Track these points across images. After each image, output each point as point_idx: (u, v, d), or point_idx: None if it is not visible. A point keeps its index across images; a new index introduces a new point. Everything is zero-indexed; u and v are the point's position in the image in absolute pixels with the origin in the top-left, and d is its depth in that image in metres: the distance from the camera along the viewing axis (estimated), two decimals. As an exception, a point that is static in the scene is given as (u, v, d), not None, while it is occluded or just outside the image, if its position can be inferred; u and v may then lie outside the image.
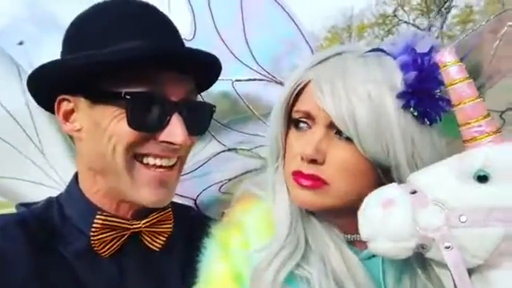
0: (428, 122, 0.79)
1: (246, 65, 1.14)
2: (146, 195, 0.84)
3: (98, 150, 0.83)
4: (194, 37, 1.11)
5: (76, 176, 0.93)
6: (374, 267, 0.86)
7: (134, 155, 0.83)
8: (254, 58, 1.14)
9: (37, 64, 1.01)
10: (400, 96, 0.77)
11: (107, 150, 0.81)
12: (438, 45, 0.80)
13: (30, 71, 0.87)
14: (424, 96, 0.77)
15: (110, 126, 0.80)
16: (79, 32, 0.85)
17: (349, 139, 0.80)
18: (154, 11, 0.87)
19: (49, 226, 0.87)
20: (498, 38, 1.10)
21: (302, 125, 0.85)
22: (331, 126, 0.81)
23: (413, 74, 0.78)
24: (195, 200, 1.27)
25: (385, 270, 0.86)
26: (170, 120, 0.81)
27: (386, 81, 0.78)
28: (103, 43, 0.79)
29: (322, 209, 0.84)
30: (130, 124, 0.79)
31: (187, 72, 0.84)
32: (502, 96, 1.06)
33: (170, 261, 0.92)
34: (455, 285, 0.69)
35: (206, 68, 0.89)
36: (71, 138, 0.98)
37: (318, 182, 0.81)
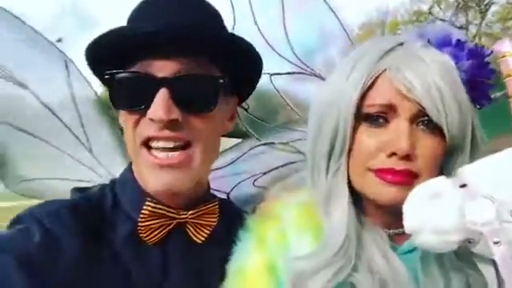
0: (478, 107, 0.82)
1: (284, 58, 1.14)
2: (150, 180, 0.84)
3: (125, 138, 0.87)
4: (233, 29, 1.12)
5: (131, 163, 0.95)
6: (411, 262, 0.84)
7: (143, 142, 0.84)
8: (294, 52, 1.14)
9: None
10: (464, 84, 0.79)
11: (126, 137, 0.86)
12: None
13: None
14: (480, 84, 0.79)
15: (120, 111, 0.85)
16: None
17: (429, 129, 0.79)
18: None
19: (100, 211, 0.88)
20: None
21: (378, 120, 0.80)
22: (414, 117, 0.78)
23: (467, 63, 0.79)
24: (228, 194, 1.28)
25: (422, 265, 0.84)
26: (155, 96, 0.80)
27: (453, 65, 0.79)
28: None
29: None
30: (113, 103, 0.82)
31: (179, 52, 0.81)
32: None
33: (212, 254, 0.92)
34: (499, 281, 0.68)
35: (215, 46, 0.84)
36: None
37: (410, 178, 0.78)
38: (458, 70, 0.78)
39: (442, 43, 0.82)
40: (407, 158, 0.77)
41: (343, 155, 0.83)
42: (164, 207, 0.87)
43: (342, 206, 0.83)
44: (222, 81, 0.85)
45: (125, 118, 0.87)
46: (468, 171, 0.71)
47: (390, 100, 0.78)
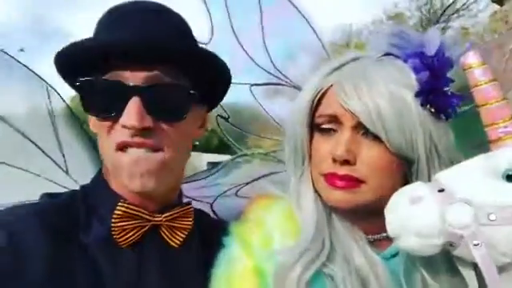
0: (444, 117, 0.85)
1: (263, 69, 1.16)
2: (123, 177, 0.84)
3: (99, 145, 0.89)
4: (210, 40, 1.13)
5: (101, 168, 0.95)
6: (394, 267, 0.87)
7: (117, 147, 0.84)
8: (272, 63, 1.16)
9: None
10: (417, 95, 0.82)
11: (100, 144, 0.87)
12: (446, 42, 0.84)
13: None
14: (438, 93, 0.83)
15: (92, 118, 0.87)
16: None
17: (375, 138, 0.83)
18: (151, 8, 0.89)
19: (71, 215, 0.87)
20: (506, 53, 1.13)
21: (326, 129, 0.87)
22: (357, 126, 0.84)
23: (425, 75, 0.83)
24: (211, 204, 1.28)
25: (406, 269, 0.86)
26: (126, 104, 0.82)
27: (404, 80, 0.83)
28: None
29: (356, 207, 0.85)
30: (86, 110, 0.84)
31: (151, 61, 0.83)
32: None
33: (188, 259, 0.92)
34: (480, 283, 0.70)
35: (177, 57, 0.86)
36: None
37: (352, 182, 0.83)
38: (418, 81, 0.83)
39: (405, 56, 0.86)
40: (347, 163, 0.83)
41: (305, 161, 0.91)
42: (137, 208, 0.87)
43: (309, 202, 0.90)
44: (192, 91, 0.88)
45: (98, 125, 0.88)
46: (445, 176, 0.73)
47: (334, 111, 0.85)
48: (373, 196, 0.84)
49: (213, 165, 1.30)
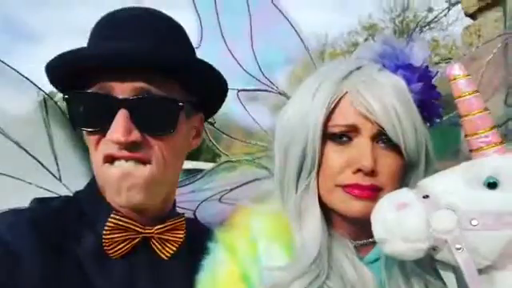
0: (429, 125, 0.90)
1: (251, 75, 1.17)
2: (110, 191, 0.84)
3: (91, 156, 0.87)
4: (199, 46, 1.13)
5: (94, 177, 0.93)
6: (375, 271, 0.89)
7: (105, 160, 0.83)
8: (260, 69, 1.17)
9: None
10: (416, 105, 0.86)
11: (91, 155, 0.86)
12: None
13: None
14: (429, 103, 0.88)
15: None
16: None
17: (389, 145, 0.85)
18: (142, 15, 0.88)
19: (63, 223, 0.86)
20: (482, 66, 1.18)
21: (342, 138, 0.85)
22: (375, 136, 0.84)
23: (418, 86, 0.86)
24: (194, 211, 1.28)
25: (387, 273, 0.88)
26: (114, 117, 0.81)
27: (406, 88, 0.86)
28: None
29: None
30: (73, 124, 0.84)
31: (137, 71, 0.82)
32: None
33: (178, 269, 0.92)
34: (459, 286, 0.73)
35: (169, 68, 0.85)
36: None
37: (375, 192, 0.83)
38: (411, 91, 0.86)
39: (395, 67, 0.89)
40: (371, 173, 0.82)
41: (313, 173, 0.87)
42: (129, 220, 0.86)
43: (315, 220, 0.87)
44: (181, 104, 0.86)
45: (87, 138, 0.87)
46: (429, 183, 0.76)
47: (352, 121, 0.84)
48: None
49: (192, 172, 1.30)
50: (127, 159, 0.82)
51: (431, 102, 0.88)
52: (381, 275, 0.88)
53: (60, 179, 1.15)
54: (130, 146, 0.81)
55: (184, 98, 0.88)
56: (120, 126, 0.79)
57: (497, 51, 1.25)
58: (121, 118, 0.80)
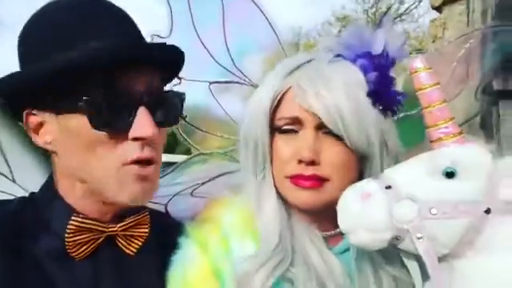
0: (390, 114, 0.91)
1: (223, 67, 1.15)
2: (127, 192, 0.83)
3: (77, 159, 0.82)
4: (170, 34, 1.10)
5: (51, 176, 0.91)
6: (345, 261, 0.91)
7: (131, 162, 0.82)
8: (233, 61, 1.15)
9: None
10: (368, 95, 0.88)
11: (87, 158, 0.81)
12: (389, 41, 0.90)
13: None
14: (385, 92, 0.89)
15: (81, 133, 0.80)
16: (37, 36, 0.83)
17: (336, 137, 0.86)
18: (109, 8, 0.87)
19: (20, 225, 0.84)
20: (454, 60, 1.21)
21: (287, 130, 0.89)
22: (318, 127, 0.87)
23: (373, 75, 0.88)
24: (166, 205, 1.27)
25: (356, 263, 0.90)
26: (135, 114, 0.80)
27: (357, 81, 0.88)
28: (68, 45, 0.79)
29: (322, 206, 0.88)
30: (93, 126, 0.78)
31: (150, 66, 0.84)
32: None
33: (145, 265, 0.91)
34: (422, 273, 0.75)
35: (170, 60, 0.89)
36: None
37: (318, 181, 0.86)
38: (367, 81, 0.88)
39: (354, 56, 0.91)
40: (313, 163, 0.85)
41: (266, 163, 0.91)
42: (91, 221, 0.85)
43: (271, 209, 0.90)
44: (184, 96, 0.89)
45: (95, 141, 0.81)
46: (391, 174, 0.78)
47: (295, 114, 0.87)
48: (337, 194, 0.85)
49: (166, 165, 1.29)
50: (149, 162, 0.82)
51: (388, 91, 0.89)
52: (351, 266, 0.90)
53: (14, 180, 1.12)
54: (150, 144, 0.82)
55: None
56: (147, 122, 0.79)
57: (469, 46, 1.28)
58: (144, 115, 0.79)
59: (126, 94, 0.80)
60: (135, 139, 0.80)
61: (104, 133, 0.79)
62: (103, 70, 0.78)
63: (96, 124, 0.79)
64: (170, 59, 0.89)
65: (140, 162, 0.82)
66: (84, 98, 0.78)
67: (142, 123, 0.80)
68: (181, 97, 0.90)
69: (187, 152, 1.33)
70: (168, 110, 0.86)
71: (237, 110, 1.20)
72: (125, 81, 0.80)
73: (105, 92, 0.79)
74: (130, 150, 0.81)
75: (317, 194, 0.86)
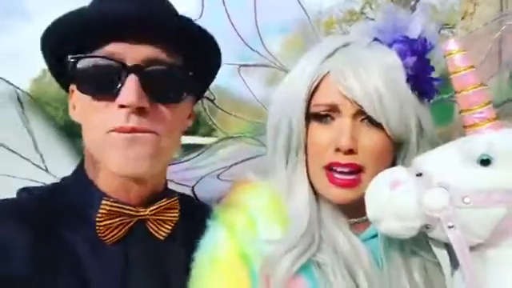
0: (426, 100, 0.89)
1: (253, 50, 1.13)
2: (111, 160, 0.82)
3: (85, 131, 0.85)
4: (200, 17, 1.08)
5: (82, 162, 0.92)
6: (374, 247, 0.89)
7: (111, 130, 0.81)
8: (263, 44, 1.13)
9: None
10: (407, 80, 0.84)
11: (86, 126, 0.84)
12: (426, 25, 0.87)
13: None
14: (423, 77, 0.86)
15: (80, 99, 0.83)
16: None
17: (373, 124, 0.84)
18: None
19: (51, 210, 0.85)
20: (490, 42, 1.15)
21: (324, 117, 0.87)
22: (357, 114, 0.84)
23: (412, 60, 0.85)
24: (192, 187, 1.28)
25: (385, 251, 0.89)
26: (124, 82, 0.79)
27: (396, 65, 0.85)
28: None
29: (356, 201, 0.85)
30: (80, 89, 0.81)
31: (151, 37, 0.81)
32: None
33: (175, 250, 0.91)
34: (452, 263, 0.73)
35: (182, 35, 0.84)
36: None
37: (353, 181, 0.84)
38: (405, 66, 0.85)
39: (391, 41, 0.88)
40: (350, 152, 0.83)
41: (300, 151, 0.89)
42: (122, 205, 0.85)
43: (303, 196, 0.89)
44: (191, 73, 0.85)
45: (87, 108, 0.83)
46: (422, 161, 0.75)
47: (332, 100, 0.85)
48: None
49: (189, 147, 1.29)
50: (135, 131, 0.80)
51: (425, 76, 0.86)
52: (378, 253, 0.89)
53: (46, 169, 1.13)
54: (138, 114, 0.80)
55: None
56: (133, 90, 0.78)
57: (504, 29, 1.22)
58: (132, 82, 0.78)
59: (117, 60, 0.79)
60: (121, 107, 0.79)
61: (90, 97, 0.81)
62: (97, 33, 0.79)
63: (81, 88, 0.81)
64: (181, 35, 0.84)
65: (123, 131, 0.80)
66: (71, 59, 0.80)
67: (128, 91, 0.78)
68: (187, 73, 0.86)
69: (209, 134, 1.33)
70: (166, 85, 0.83)
71: (262, 92, 1.19)
72: (119, 47, 0.79)
73: (93, 56, 0.80)
74: (115, 117, 0.80)
75: (351, 193, 0.84)
